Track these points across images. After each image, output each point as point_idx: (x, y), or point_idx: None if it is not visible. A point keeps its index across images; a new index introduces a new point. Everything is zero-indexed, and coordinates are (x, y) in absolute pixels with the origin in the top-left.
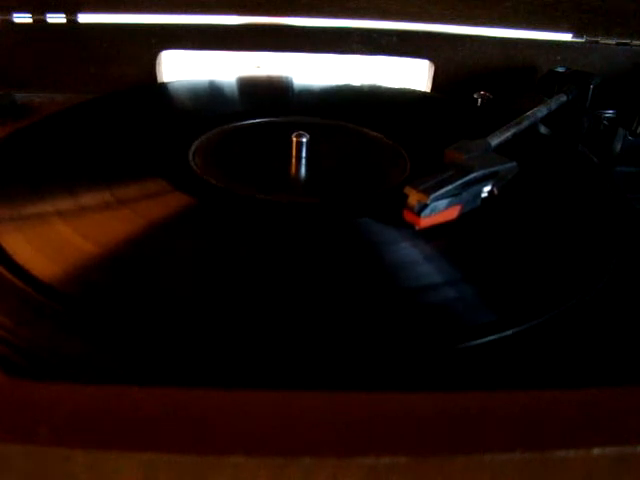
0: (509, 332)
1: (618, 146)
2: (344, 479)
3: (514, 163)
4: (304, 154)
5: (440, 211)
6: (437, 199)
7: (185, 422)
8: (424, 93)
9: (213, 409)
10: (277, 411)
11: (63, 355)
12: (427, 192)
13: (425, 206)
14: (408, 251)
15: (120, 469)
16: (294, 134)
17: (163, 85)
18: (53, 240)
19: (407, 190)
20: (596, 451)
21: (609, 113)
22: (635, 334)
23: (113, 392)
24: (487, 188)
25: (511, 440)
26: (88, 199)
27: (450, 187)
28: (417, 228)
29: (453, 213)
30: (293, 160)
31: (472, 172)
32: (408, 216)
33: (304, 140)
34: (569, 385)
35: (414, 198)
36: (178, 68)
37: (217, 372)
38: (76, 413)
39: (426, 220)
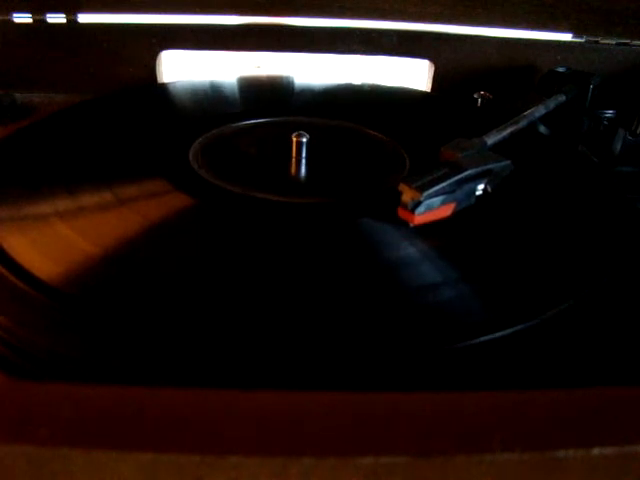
0: (508, 332)
1: (618, 146)
2: (344, 479)
3: (508, 161)
4: (304, 154)
5: (434, 209)
6: (431, 196)
7: (185, 422)
8: (424, 93)
9: (213, 409)
10: (277, 411)
11: (63, 355)
12: (421, 189)
13: (419, 203)
14: (407, 251)
15: (120, 469)
16: (294, 134)
17: (163, 85)
18: (53, 240)
19: (401, 187)
20: (596, 451)
21: (609, 113)
22: (635, 334)
23: (113, 392)
24: (481, 186)
25: (511, 440)
26: (88, 199)
27: (444, 184)
28: (411, 225)
29: (447, 211)
30: (293, 160)
31: (465, 170)
32: (402, 213)
33: (304, 140)
34: (569, 385)
35: (408, 195)
36: (178, 68)
37: (217, 372)
38: (76, 413)
39: (420, 217)
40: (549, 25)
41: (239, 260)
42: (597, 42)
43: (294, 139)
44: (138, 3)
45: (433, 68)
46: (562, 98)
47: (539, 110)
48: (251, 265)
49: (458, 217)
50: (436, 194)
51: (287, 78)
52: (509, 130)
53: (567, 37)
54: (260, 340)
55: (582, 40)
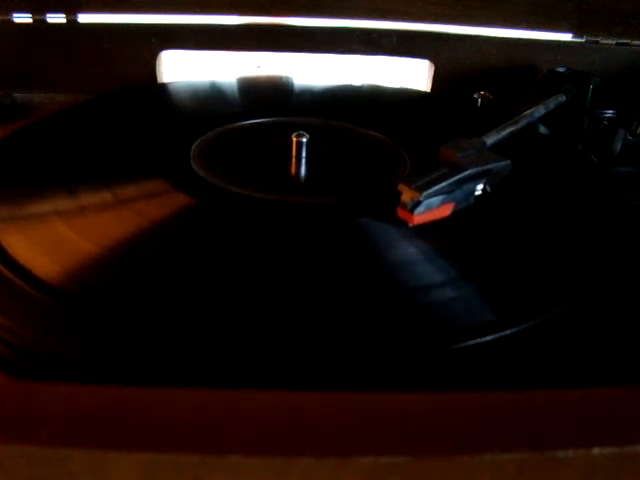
0: (508, 332)
1: (618, 146)
2: (344, 479)
3: (508, 161)
4: (304, 154)
5: (433, 208)
6: (430, 196)
7: (185, 422)
8: (424, 93)
9: (213, 409)
10: (277, 411)
11: (63, 355)
12: (420, 189)
13: (418, 203)
14: (407, 251)
15: (120, 469)
16: (294, 134)
17: (163, 85)
18: (53, 240)
19: (400, 187)
20: (596, 451)
21: (609, 113)
22: (635, 334)
23: (113, 392)
24: (480, 186)
25: (511, 440)
26: (88, 199)
27: (443, 184)
28: (410, 225)
29: (446, 211)
30: (293, 160)
31: (465, 170)
32: (401, 213)
33: (304, 140)
34: (569, 385)
35: (407, 195)
36: (178, 68)
37: (217, 372)
38: (76, 413)
39: (419, 217)
40: (549, 25)
41: (239, 260)
42: (597, 42)
43: (294, 139)
44: (138, 3)
45: (433, 68)
46: (562, 98)
47: (539, 110)
48: (251, 265)
49: (457, 217)
50: (435, 194)
51: (287, 78)
52: (509, 130)
53: (567, 37)
54: (260, 340)
55: (582, 40)
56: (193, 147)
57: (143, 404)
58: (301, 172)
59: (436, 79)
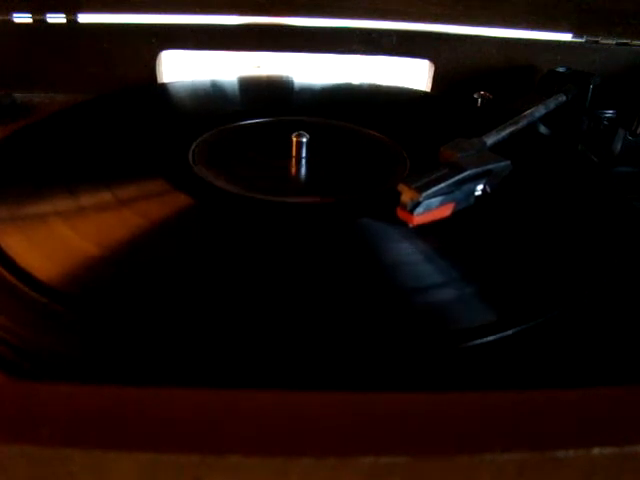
0: (509, 332)
1: (618, 146)
2: (344, 479)
3: (508, 162)
4: (304, 154)
5: (433, 209)
6: (430, 197)
7: (185, 422)
8: (424, 93)
9: (213, 409)
10: (277, 411)
11: (63, 355)
12: (420, 190)
13: (418, 204)
14: (408, 251)
15: (120, 469)
16: (294, 134)
17: (163, 85)
18: (53, 240)
19: (400, 188)
20: (596, 451)
21: (609, 113)
22: (635, 334)
23: (113, 392)
24: (480, 187)
25: (511, 440)
26: (88, 199)
27: (443, 185)
28: (410, 226)
29: (446, 211)
30: (293, 160)
31: (465, 170)
32: (401, 214)
33: (304, 140)
34: (569, 385)
35: (407, 196)
36: (178, 68)
37: (217, 372)
38: (76, 413)
39: (419, 218)
40: (549, 25)
41: (239, 260)
42: (597, 42)
43: (294, 139)
44: (138, 3)
45: (433, 68)
46: (562, 98)
47: (539, 110)
48: (251, 265)
49: (457, 217)
50: (435, 195)
51: (287, 78)
52: (509, 130)
53: (567, 37)
54: (260, 340)
55: (582, 40)
56: (193, 147)
57: (143, 404)
58: (301, 172)
59: (436, 79)
